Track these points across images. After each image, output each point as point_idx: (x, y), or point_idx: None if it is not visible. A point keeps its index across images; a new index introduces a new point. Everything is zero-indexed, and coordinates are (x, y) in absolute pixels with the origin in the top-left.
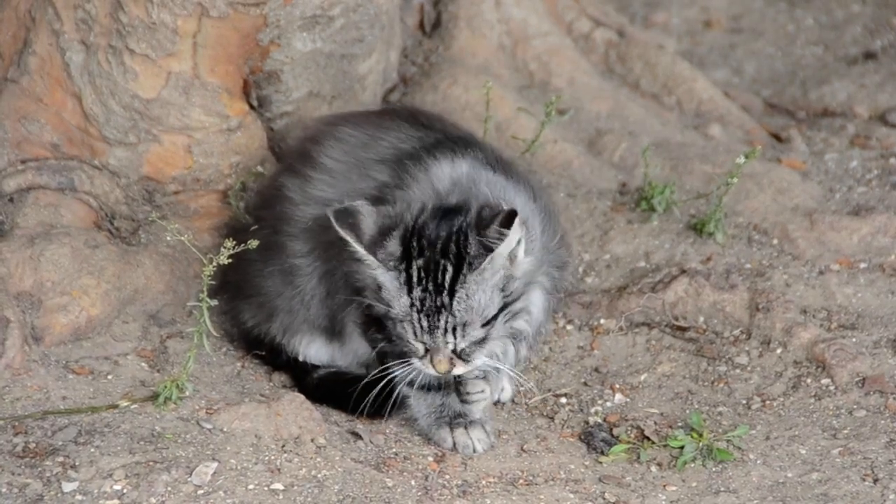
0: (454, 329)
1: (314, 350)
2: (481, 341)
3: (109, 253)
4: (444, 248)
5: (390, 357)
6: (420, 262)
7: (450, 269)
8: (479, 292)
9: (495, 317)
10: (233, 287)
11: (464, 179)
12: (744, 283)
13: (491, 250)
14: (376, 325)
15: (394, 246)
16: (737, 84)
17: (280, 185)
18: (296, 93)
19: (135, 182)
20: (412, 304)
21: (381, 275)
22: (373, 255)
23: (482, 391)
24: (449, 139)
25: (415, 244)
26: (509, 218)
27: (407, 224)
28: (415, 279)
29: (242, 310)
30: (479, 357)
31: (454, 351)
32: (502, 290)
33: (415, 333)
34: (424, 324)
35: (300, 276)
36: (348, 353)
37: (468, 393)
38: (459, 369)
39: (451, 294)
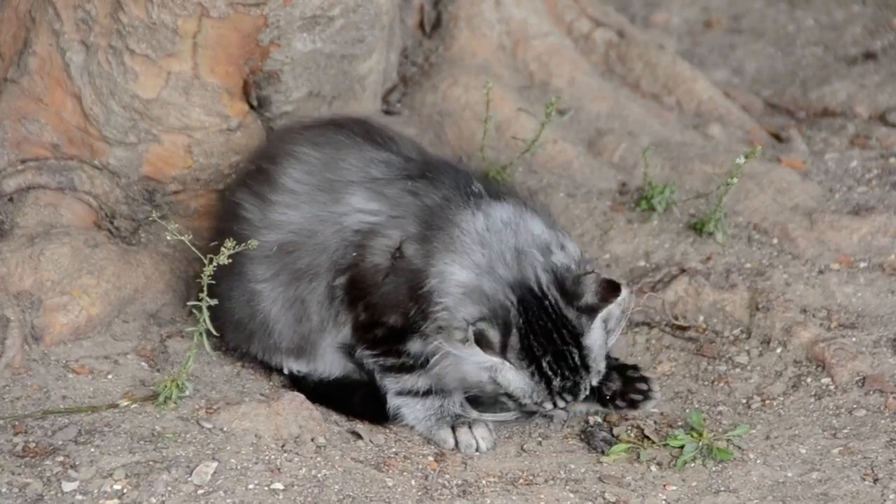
0: (590, 384)
1: (293, 364)
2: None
3: (109, 252)
4: (560, 337)
5: (381, 371)
6: (549, 357)
7: (575, 350)
8: (597, 342)
9: (605, 342)
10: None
11: (487, 233)
12: (744, 283)
13: (589, 311)
14: (384, 345)
15: (515, 343)
16: (737, 84)
17: (237, 203)
18: (296, 93)
19: (135, 182)
20: (551, 391)
21: (510, 373)
22: (507, 360)
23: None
24: (433, 169)
25: (535, 344)
26: (615, 290)
27: (518, 325)
28: (549, 373)
29: (224, 330)
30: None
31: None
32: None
33: (555, 405)
34: (568, 398)
35: (262, 301)
36: (314, 371)
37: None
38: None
39: (587, 367)
